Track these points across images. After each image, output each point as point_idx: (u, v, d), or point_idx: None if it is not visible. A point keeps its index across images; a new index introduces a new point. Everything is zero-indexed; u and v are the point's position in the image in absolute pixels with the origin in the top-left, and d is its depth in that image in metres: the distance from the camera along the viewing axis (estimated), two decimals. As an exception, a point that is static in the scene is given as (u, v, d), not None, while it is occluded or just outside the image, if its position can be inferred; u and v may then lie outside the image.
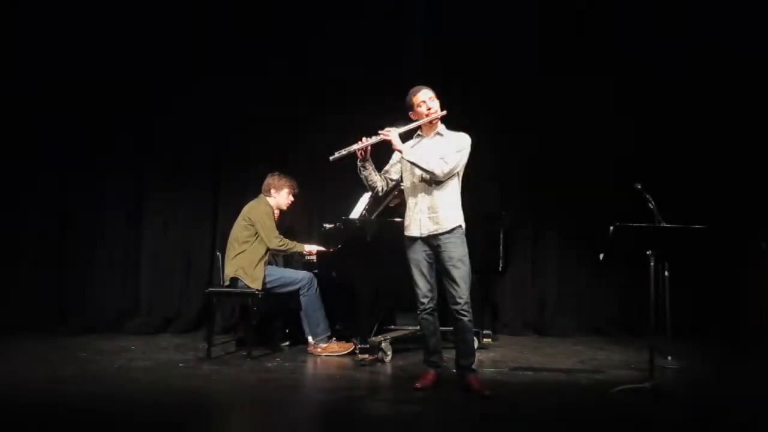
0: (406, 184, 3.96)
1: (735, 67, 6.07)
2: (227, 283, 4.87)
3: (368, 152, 3.83)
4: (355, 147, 3.76)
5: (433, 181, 3.79)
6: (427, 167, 3.72)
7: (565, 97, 6.18)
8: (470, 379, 3.77)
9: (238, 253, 4.86)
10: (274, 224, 4.95)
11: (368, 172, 3.88)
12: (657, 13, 6.06)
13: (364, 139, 3.77)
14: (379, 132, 3.76)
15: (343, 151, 3.75)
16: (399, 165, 3.97)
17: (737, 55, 6.04)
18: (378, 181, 3.94)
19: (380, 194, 4.06)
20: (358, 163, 3.86)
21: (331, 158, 3.76)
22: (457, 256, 3.76)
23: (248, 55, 5.97)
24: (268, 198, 5.05)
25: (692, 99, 6.19)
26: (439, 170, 3.73)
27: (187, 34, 5.85)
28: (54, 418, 3.22)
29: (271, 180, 5.08)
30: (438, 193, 3.80)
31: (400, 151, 3.77)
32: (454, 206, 3.84)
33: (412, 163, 3.76)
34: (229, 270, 4.86)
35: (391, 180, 4.01)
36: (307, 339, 4.93)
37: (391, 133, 3.75)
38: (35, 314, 5.53)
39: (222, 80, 5.91)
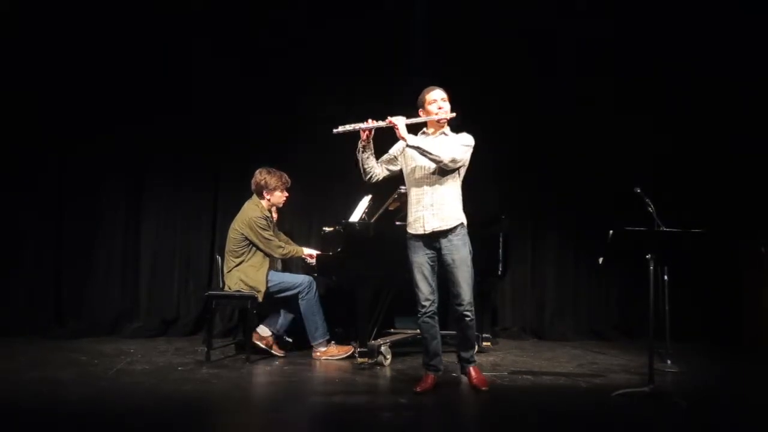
0: (408, 180, 3.93)
1: (735, 67, 6.08)
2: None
3: (371, 136, 3.78)
4: (360, 125, 3.72)
5: (437, 176, 3.79)
6: (434, 151, 3.71)
7: (566, 99, 6.19)
8: (470, 371, 3.83)
9: (236, 266, 4.81)
10: (271, 233, 4.87)
11: (367, 155, 3.84)
12: (657, 16, 6.07)
13: (370, 120, 3.73)
14: (388, 117, 3.74)
15: (348, 127, 3.70)
16: (401, 158, 3.93)
17: (738, 53, 6.05)
18: (375, 167, 3.89)
19: (372, 181, 3.95)
20: (359, 144, 3.81)
21: (334, 131, 3.72)
22: (461, 257, 3.78)
23: (247, 54, 5.96)
24: (261, 201, 4.94)
25: (692, 100, 6.19)
26: (447, 156, 3.72)
27: (187, 34, 5.85)
28: (52, 422, 3.21)
29: (260, 178, 4.91)
30: (441, 189, 3.81)
31: (404, 138, 3.71)
32: (457, 203, 3.85)
33: (418, 148, 3.71)
34: (230, 282, 4.81)
35: (389, 170, 3.96)
36: (306, 342, 4.91)
37: (398, 121, 3.72)
38: (33, 317, 5.50)
39: (221, 80, 5.91)
